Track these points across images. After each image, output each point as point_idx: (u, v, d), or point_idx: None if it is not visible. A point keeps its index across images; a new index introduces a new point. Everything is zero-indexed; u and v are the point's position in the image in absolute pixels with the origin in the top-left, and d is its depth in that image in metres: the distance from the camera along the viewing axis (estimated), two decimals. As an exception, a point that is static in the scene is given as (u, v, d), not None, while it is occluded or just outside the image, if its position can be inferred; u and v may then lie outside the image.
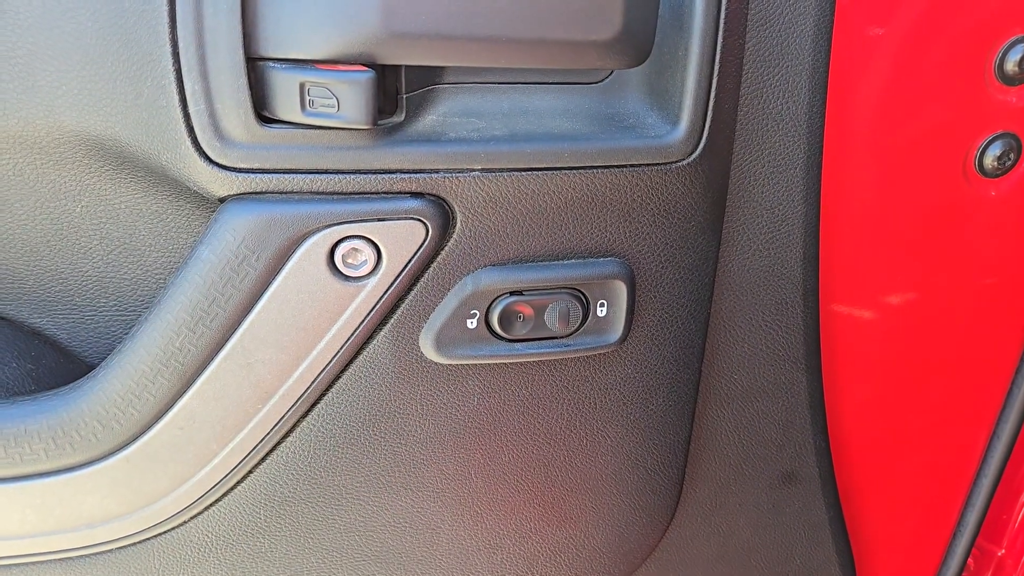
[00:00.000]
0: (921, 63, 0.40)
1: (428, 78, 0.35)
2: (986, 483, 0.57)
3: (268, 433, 0.37)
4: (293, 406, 0.37)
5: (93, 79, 0.32)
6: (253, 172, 0.32)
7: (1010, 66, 0.41)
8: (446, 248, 0.35)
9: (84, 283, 0.40)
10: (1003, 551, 0.63)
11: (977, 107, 0.42)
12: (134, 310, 0.40)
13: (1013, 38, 0.41)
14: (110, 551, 0.39)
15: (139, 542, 0.39)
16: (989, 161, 0.43)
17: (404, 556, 0.43)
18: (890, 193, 0.43)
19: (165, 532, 0.39)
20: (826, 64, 0.38)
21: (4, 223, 0.38)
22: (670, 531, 0.48)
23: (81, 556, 0.39)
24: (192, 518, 0.39)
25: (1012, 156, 0.43)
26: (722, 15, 0.33)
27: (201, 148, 0.31)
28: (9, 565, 0.38)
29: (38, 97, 0.33)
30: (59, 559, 0.38)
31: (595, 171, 0.35)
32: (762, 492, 0.49)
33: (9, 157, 0.36)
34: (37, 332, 0.41)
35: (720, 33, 0.33)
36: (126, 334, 0.38)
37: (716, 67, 0.34)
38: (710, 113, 0.35)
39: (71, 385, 0.36)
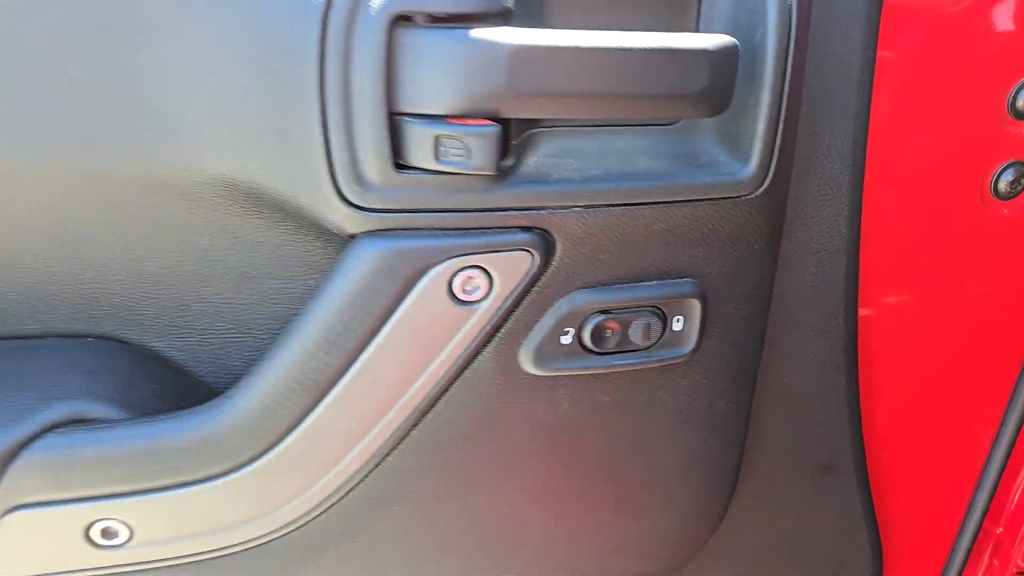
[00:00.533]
0: (947, 103, 0.46)
1: (529, 123, 0.39)
2: (993, 470, 0.63)
3: (385, 441, 0.41)
4: (408, 417, 0.41)
5: (240, 131, 0.36)
6: (385, 212, 0.36)
7: (1020, 103, 0.47)
8: (546, 274, 0.39)
9: (203, 309, 0.43)
10: (1001, 529, 0.69)
11: (993, 139, 0.48)
12: (248, 333, 0.44)
13: (1022, 80, 0.46)
14: (241, 552, 0.42)
15: (266, 543, 0.43)
16: (1003, 186, 0.49)
17: (496, 548, 0.47)
18: (919, 214, 0.48)
19: (289, 532, 0.43)
20: (868, 106, 0.43)
21: (132, 256, 0.41)
22: (722, 521, 0.53)
23: (216, 558, 0.42)
24: (314, 519, 0.43)
25: (1022, 181, 0.49)
26: (788, 70, 0.38)
27: (341, 192, 0.36)
28: (156, 568, 0.42)
29: (184, 145, 0.37)
30: (198, 561, 0.42)
31: (677, 205, 0.40)
32: (803, 483, 0.55)
33: (146, 198, 0.39)
34: (157, 354, 0.45)
35: (786, 85, 0.38)
36: (257, 356, 0.42)
37: (782, 113, 0.39)
38: (776, 152, 0.40)
39: (210, 403, 0.40)
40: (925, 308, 0.52)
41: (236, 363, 0.45)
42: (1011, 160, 0.48)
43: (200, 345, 0.45)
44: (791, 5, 0.37)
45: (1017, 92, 0.46)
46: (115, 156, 0.37)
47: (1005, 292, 0.53)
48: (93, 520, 0.40)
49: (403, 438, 0.42)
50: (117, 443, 0.39)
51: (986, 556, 0.70)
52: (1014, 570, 0.73)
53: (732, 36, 0.37)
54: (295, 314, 0.43)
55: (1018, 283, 0.54)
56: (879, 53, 0.43)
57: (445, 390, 0.41)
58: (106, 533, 0.40)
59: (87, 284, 0.42)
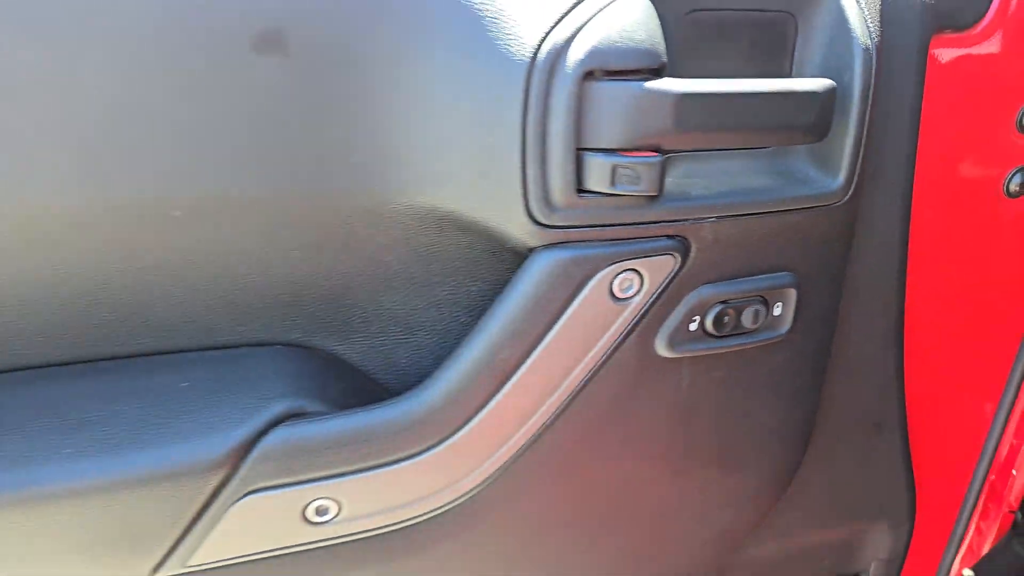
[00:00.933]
0: (971, 124, 0.57)
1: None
2: (997, 427, 0.74)
3: (546, 420, 0.49)
4: (565, 398, 0.49)
5: (453, 168, 0.43)
6: (563, 228, 0.44)
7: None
8: (682, 273, 0.48)
9: (379, 315, 0.51)
10: (995, 476, 0.82)
11: (1006, 149, 0.59)
12: (415, 334, 0.52)
13: (1028, 102, 0.58)
14: (432, 518, 0.50)
15: (447, 511, 0.50)
16: (1014, 186, 0.60)
17: (625, 505, 0.56)
18: (952, 212, 0.59)
19: (465, 501, 0.50)
20: (917, 130, 0.54)
21: (328, 271, 0.48)
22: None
23: (404, 528, 0.50)
24: (486, 488, 0.50)
25: (1020, 187, 0.60)
26: (869, 103, 0.48)
27: (531, 213, 0.43)
28: (366, 538, 0.49)
29: (405, 181, 0.44)
30: (389, 531, 0.49)
31: (782, 214, 0.49)
32: (859, 440, 0.65)
33: (355, 223, 0.46)
34: (336, 357, 0.51)
35: (867, 116, 0.48)
36: (421, 354, 0.49)
37: (864, 138, 0.49)
38: (858, 169, 0.49)
39: (407, 394, 0.47)
40: (955, 287, 0.63)
41: (403, 362, 0.52)
42: (1019, 165, 0.59)
43: (372, 347, 0.52)
44: (872, 55, 0.47)
45: (1022, 113, 0.58)
46: (346, 189, 0.44)
47: (1014, 270, 0.64)
48: (310, 500, 0.46)
49: (558, 416, 0.50)
50: (331, 432, 0.46)
51: (982, 500, 0.82)
52: (1006, 509, 0.86)
53: (826, 78, 0.46)
54: (463, 317, 0.51)
55: (1007, 264, 0.66)
56: (926, 89, 0.53)
57: (595, 373, 0.49)
58: (319, 511, 0.47)
59: (284, 297, 0.48)
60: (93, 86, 0.39)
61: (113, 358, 0.47)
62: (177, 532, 0.45)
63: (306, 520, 0.47)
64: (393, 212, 0.46)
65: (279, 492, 0.46)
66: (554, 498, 0.53)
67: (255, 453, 0.44)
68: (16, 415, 0.43)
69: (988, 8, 0.55)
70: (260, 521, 0.46)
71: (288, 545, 0.48)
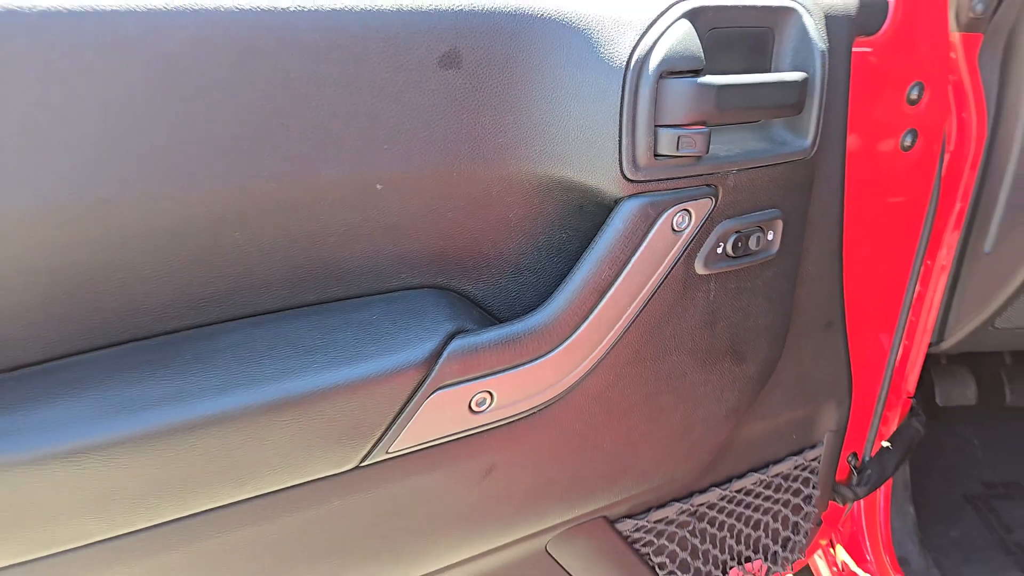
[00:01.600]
0: (879, 99, 0.81)
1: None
2: (900, 329, 1.01)
3: (627, 323, 0.68)
4: (640, 306, 0.68)
5: (571, 144, 0.61)
6: (642, 182, 0.63)
7: (913, 96, 0.83)
8: (714, 211, 0.68)
9: (500, 260, 0.67)
10: (896, 370, 1.09)
11: (900, 118, 0.84)
12: (522, 274, 0.69)
13: (914, 81, 0.83)
14: (552, 403, 0.67)
15: (564, 395, 0.68)
16: (906, 143, 0.85)
17: (671, 392, 0.75)
18: (870, 162, 0.83)
19: (573, 389, 0.68)
20: (847, 104, 0.77)
21: (465, 228, 0.64)
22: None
23: (539, 410, 0.67)
24: (589, 376, 0.68)
25: (913, 140, 0.86)
26: (824, 88, 0.70)
27: (623, 173, 0.62)
28: (509, 422, 0.65)
29: (524, 155, 0.62)
30: (529, 414, 0.66)
31: (775, 166, 0.70)
32: (816, 335, 0.88)
33: (486, 190, 0.63)
34: (467, 294, 0.68)
35: (823, 98, 0.70)
36: (528, 291, 0.67)
37: (822, 112, 0.71)
38: (826, 140, 0.72)
39: (536, 311, 0.65)
40: (872, 216, 0.87)
41: (514, 297, 0.69)
42: (909, 128, 0.85)
43: (493, 287, 0.69)
44: (825, 56, 0.69)
45: (910, 89, 0.83)
46: (491, 164, 0.61)
47: (910, 201, 0.90)
48: (474, 394, 0.63)
49: (634, 321, 0.69)
50: (489, 341, 0.62)
51: (890, 388, 1.10)
52: (905, 396, 1.14)
53: (800, 72, 0.68)
54: (555, 258, 0.69)
55: (916, 197, 0.91)
56: (852, 75, 0.76)
57: (659, 288, 0.69)
58: (479, 402, 0.64)
59: (435, 249, 0.64)
60: (327, 95, 0.54)
61: (317, 303, 0.61)
62: (384, 425, 0.60)
63: (471, 410, 0.63)
64: (520, 179, 0.63)
65: (456, 388, 0.62)
66: (629, 383, 0.72)
67: (443, 358, 0.60)
68: (263, 344, 0.57)
69: (885, 20, 0.79)
70: (441, 413, 0.62)
71: (457, 431, 0.64)
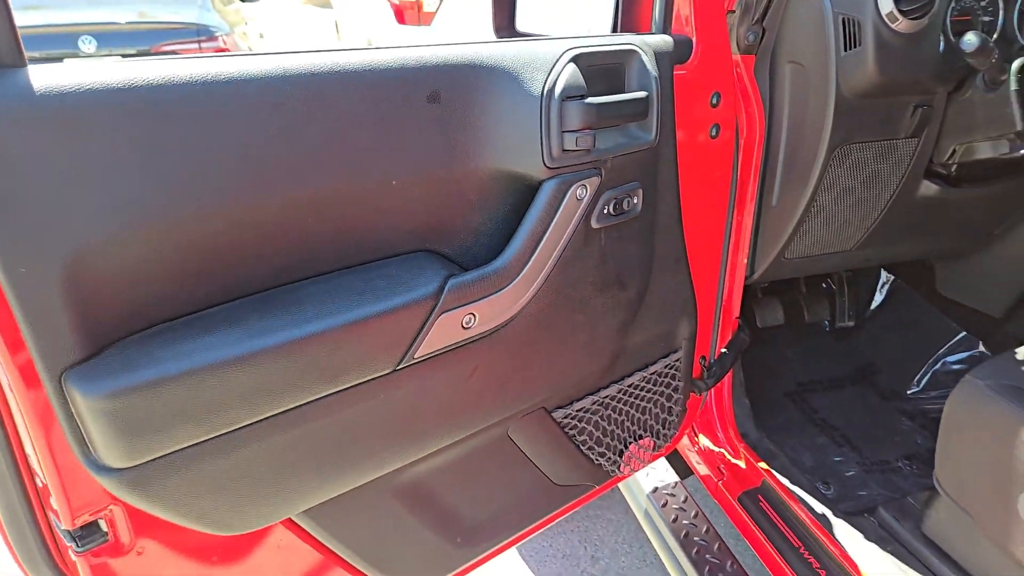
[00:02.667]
0: (694, 104, 1.21)
1: None
2: (724, 264, 1.44)
3: (553, 263, 1.03)
4: (560, 251, 1.03)
5: (510, 148, 0.94)
6: (557, 168, 0.98)
7: (714, 101, 1.24)
8: (600, 185, 1.04)
9: (464, 228, 0.99)
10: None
11: (708, 116, 1.25)
12: (479, 237, 1.01)
13: (714, 91, 1.24)
14: (509, 322, 1.00)
15: (515, 317, 1.01)
16: (713, 134, 1.26)
17: (584, 315, 1.11)
18: (692, 148, 1.24)
19: (518, 317, 1.02)
20: (673, 110, 1.16)
21: (445, 210, 0.96)
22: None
23: (501, 327, 1.00)
24: (527, 307, 1.02)
25: (717, 131, 1.27)
26: (661, 100, 1.08)
27: (545, 163, 0.96)
28: (484, 335, 0.97)
29: (486, 158, 0.94)
30: (496, 329, 0.99)
31: (634, 153, 1.08)
32: (671, 267, 1.28)
33: (460, 183, 0.94)
34: (444, 255, 0.99)
35: (660, 106, 1.09)
36: (486, 251, 0.99)
37: (660, 115, 1.09)
38: (662, 134, 1.10)
39: (495, 260, 0.97)
40: (696, 186, 1.28)
41: (475, 253, 1.01)
42: (715, 123, 1.26)
43: (461, 247, 1.00)
44: (659, 80, 1.07)
45: (711, 97, 1.24)
46: (465, 166, 0.92)
47: (719, 177, 1.32)
48: (465, 315, 0.95)
49: (556, 262, 1.04)
50: (471, 279, 0.94)
51: (721, 308, 1.53)
52: (733, 318, 1.58)
53: (644, 91, 1.06)
54: (501, 224, 1.02)
55: (724, 170, 1.33)
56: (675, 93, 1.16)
57: (571, 239, 1.04)
58: (467, 321, 0.95)
59: (426, 226, 0.95)
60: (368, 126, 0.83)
61: (357, 264, 0.90)
62: (411, 339, 0.90)
63: (462, 327, 0.95)
64: (480, 173, 0.96)
65: (453, 311, 0.93)
66: (554, 307, 1.07)
67: (445, 292, 0.91)
68: (332, 292, 0.85)
69: (692, 52, 1.19)
70: (445, 329, 0.93)
71: (455, 342, 0.96)
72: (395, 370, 0.91)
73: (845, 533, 1.40)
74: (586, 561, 2.08)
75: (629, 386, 1.31)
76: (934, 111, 1.33)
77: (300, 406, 0.84)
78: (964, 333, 1.93)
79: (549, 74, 0.95)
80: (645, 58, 1.07)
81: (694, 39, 1.19)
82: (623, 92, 1.07)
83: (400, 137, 0.87)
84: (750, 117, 1.37)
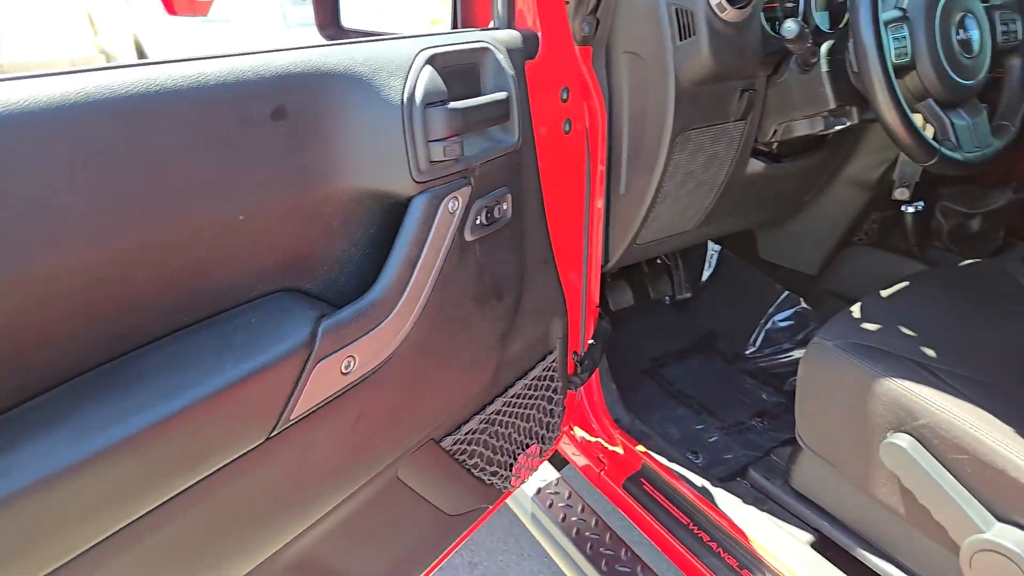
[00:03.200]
0: (546, 100, 1.17)
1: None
2: (585, 261, 1.43)
3: (432, 284, 0.94)
4: (438, 269, 0.94)
5: (372, 163, 0.83)
6: (425, 182, 0.89)
7: (564, 96, 1.21)
8: (471, 195, 0.97)
9: (327, 259, 0.87)
10: (587, 288, 1.52)
11: (560, 111, 1.21)
12: (345, 266, 0.89)
13: (563, 86, 1.21)
14: (388, 360, 0.90)
15: (397, 353, 0.91)
16: (566, 129, 1.24)
17: (466, 330, 1.03)
18: (549, 143, 1.20)
19: (397, 353, 0.91)
20: (529, 108, 1.11)
21: (303, 239, 0.83)
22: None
23: (381, 368, 0.89)
24: (409, 335, 0.92)
25: (569, 126, 1.25)
26: (519, 100, 1.03)
27: (412, 178, 0.87)
28: (364, 376, 0.86)
29: (343, 177, 0.82)
30: (378, 368, 0.88)
31: (500, 158, 1.01)
32: (541, 269, 1.24)
33: (317, 207, 0.82)
34: (306, 291, 0.86)
35: (518, 107, 1.03)
36: (354, 280, 0.88)
37: (519, 117, 1.04)
38: (523, 135, 1.04)
39: (371, 289, 0.86)
40: (556, 182, 1.25)
41: (341, 286, 0.89)
42: (566, 119, 1.23)
43: (325, 281, 0.87)
44: (514, 79, 1.02)
45: (561, 92, 1.21)
46: (321, 188, 0.80)
47: (574, 170, 1.30)
48: (343, 359, 0.83)
49: (436, 282, 0.95)
50: (347, 316, 0.82)
51: (586, 303, 1.52)
52: (594, 306, 1.59)
53: (502, 91, 1.00)
54: (368, 249, 0.91)
55: (578, 164, 1.31)
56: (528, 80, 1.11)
57: (448, 254, 0.95)
58: (346, 365, 0.84)
59: (281, 258, 0.82)
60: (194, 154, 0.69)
61: (207, 318, 0.75)
62: (284, 400, 0.77)
63: (341, 373, 0.83)
64: (340, 194, 0.84)
65: (330, 358, 0.81)
66: (437, 330, 0.98)
67: (319, 337, 0.79)
68: (180, 359, 0.70)
69: (539, 47, 1.15)
70: (322, 380, 0.81)
71: (335, 392, 0.83)
72: (269, 438, 0.78)
73: (725, 500, 1.47)
74: (464, 569, 2.02)
75: (512, 397, 1.26)
76: (757, 94, 1.41)
77: (158, 506, 0.68)
78: (787, 292, 2.11)
79: (406, 79, 0.85)
80: (500, 56, 1.00)
81: (540, 33, 1.14)
82: (480, 93, 1.00)
83: (242, 163, 0.73)
84: (592, 110, 1.36)
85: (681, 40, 1.27)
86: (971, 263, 1.53)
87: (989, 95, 1.34)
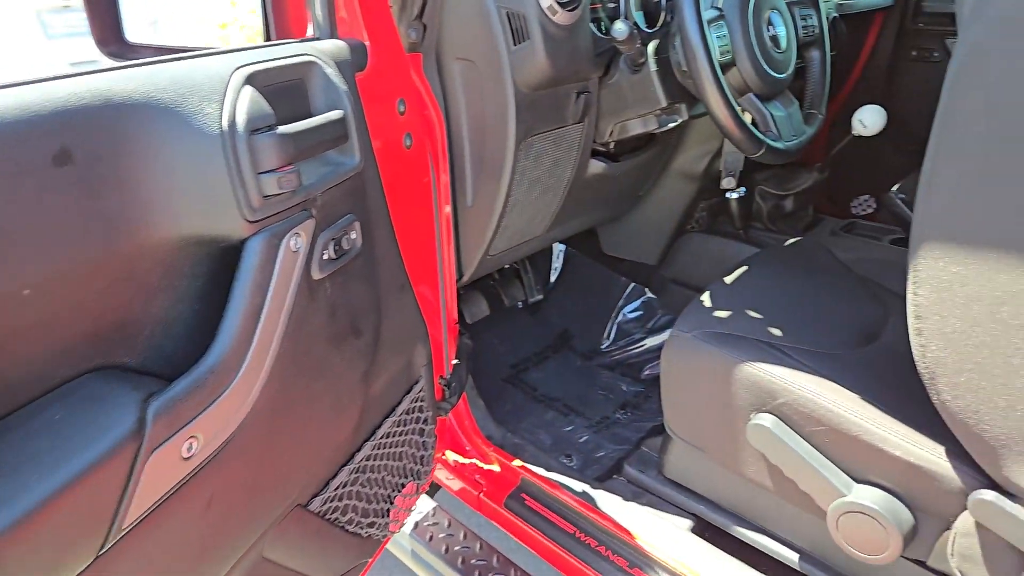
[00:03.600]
0: (383, 113, 1.08)
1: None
2: (441, 269, 1.35)
3: (281, 340, 0.82)
4: (287, 316, 0.82)
5: (193, 205, 0.70)
6: (259, 222, 0.77)
7: (401, 109, 1.13)
8: (315, 226, 0.86)
9: (150, 322, 0.72)
10: (447, 309, 1.45)
11: (399, 124, 1.13)
12: (173, 326, 0.75)
13: (399, 98, 1.12)
14: (239, 431, 0.77)
15: (248, 420, 0.78)
16: (407, 144, 1.15)
17: (323, 374, 0.92)
18: (390, 160, 1.11)
19: (248, 420, 0.79)
20: (364, 120, 1.01)
21: (112, 301, 0.68)
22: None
23: (231, 441, 0.76)
24: (260, 397, 0.80)
25: (410, 140, 1.17)
26: (356, 121, 0.93)
27: (244, 217, 0.74)
28: (209, 457, 0.72)
29: (159, 224, 0.68)
30: (225, 444, 0.75)
31: (344, 183, 0.91)
32: (397, 296, 1.14)
33: (128, 262, 0.67)
34: (125, 366, 0.71)
35: (357, 127, 0.93)
36: (182, 344, 0.74)
37: (359, 139, 0.94)
38: (364, 155, 0.95)
39: (208, 352, 0.73)
40: (403, 200, 1.16)
41: (169, 353, 0.75)
42: (406, 132, 1.15)
43: (148, 350, 0.73)
44: (347, 94, 0.92)
45: (398, 104, 1.12)
46: (131, 238, 0.66)
47: (418, 186, 1.22)
48: (183, 442, 0.69)
49: (286, 329, 0.83)
50: (181, 391, 0.69)
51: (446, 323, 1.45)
52: (452, 323, 1.52)
53: (337, 109, 0.89)
54: (199, 305, 0.77)
55: (423, 179, 1.23)
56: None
57: (296, 297, 0.84)
58: (188, 448, 0.70)
59: (88, 331, 0.66)
60: None
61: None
62: (113, 507, 0.63)
63: (183, 458, 0.70)
64: (157, 245, 0.70)
65: (166, 444, 0.67)
66: (293, 383, 0.86)
67: (148, 424, 0.65)
68: None
69: (367, 60, 1.05)
70: (160, 472, 0.67)
71: (178, 482, 0.70)
72: (100, 555, 0.63)
73: (605, 501, 1.46)
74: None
75: (382, 438, 1.16)
76: (592, 96, 1.41)
77: None
78: (633, 284, 2.18)
79: (223, 103, 0.73)
80: (329, 70, 0.90)
81: (368, 42, 1.05)
82: (310, 113, 0.89)
83: (20, 224, 0.58)
84: (428, 119, 1.29)
85: (515, 45, 1.24)
86: (794, 242, 1.65)
87: (796, 86, 1.44)
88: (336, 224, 0.91)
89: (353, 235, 0.95)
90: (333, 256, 0.90)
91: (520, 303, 2.22)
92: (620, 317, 2.19)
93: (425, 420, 1.30)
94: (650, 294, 2.16)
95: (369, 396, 1.10)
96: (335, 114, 0.88)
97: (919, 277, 0.85)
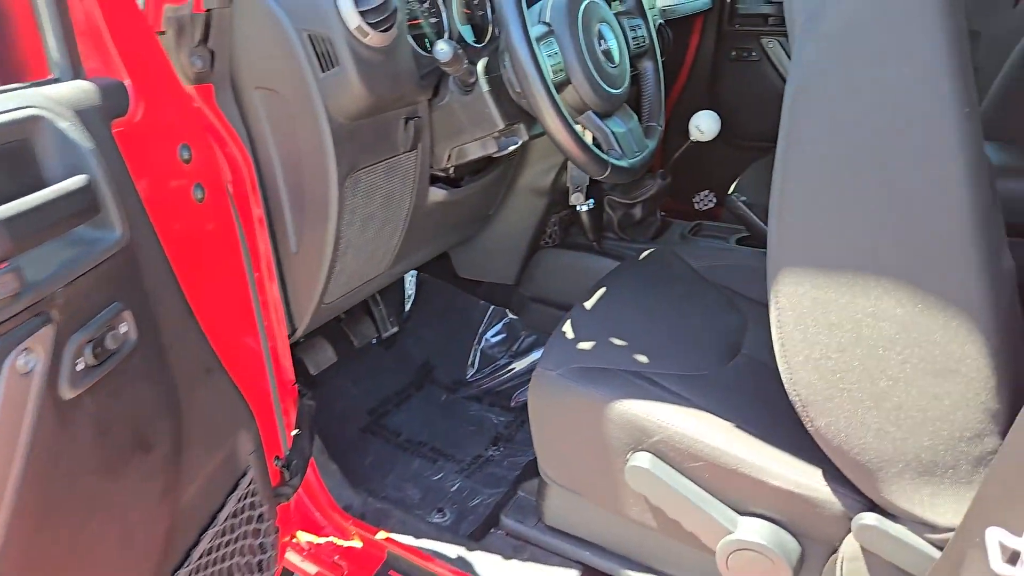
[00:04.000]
0: (162, 165, 0.87)
1: None
2: (263, 331, 1.15)
3: (19, 489, 0.60)
4: (26, 466, 0.61)
5: None
6: None
7: (185, 156, 0.92)
8: (57, 335, 0.65)
9: None
10: (279, 380, 1.25)
11: (184, 177, 0.92)
12: None
13: (180, 143, 0.92)
14: None
15: None
16: (198, 196, 0.95)
17: (86, 536, 0.71)
18: (177, 223, 0.90)
19: None
20: (132, 183, 0.80)
21: None
22: None
23: None
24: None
25: (202, 192, 0.96)
26: (111, 180, 0.72)
27: None
28: None
29: None
30: None
31: (99, 266, 0.70)
32: (204, 382, 0.94)
33: None
34: None
35: (110, 173, 0.72)
36: None
37: (123, 197, 0.73)
38: (133, 224, 0.74)
39: None
40: (202, 264, 0.96)
41: None
42: (196, 182, 0.94)
43: None
44: (97, 152, 0.71)
45: (180, 151, 0.92)
46: None
47: (223, 240, 1.01)
48: None
49: (23, 482, 0.62)
50: None
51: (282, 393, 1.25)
52: (290, 386, 1.32)
53: (80, 173, 0.68)
54: None
55: (226, 232, 1.02)
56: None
57: (34, 437, 0.63)
58: None
59: None
60: None
61: None
62: None
63: None
64: None
65: None
66: (49, 537, 0.65)
67: None
68: None
69: (129, 99, 0.84)
70: None
71: None
72: None
73: (484, 563, 1.34)
74: None
75: (201, 557, 0.95)
76: (423, 121, 1.27)
77: None
78: (492, 307, 2.06)
79: None
80: (63, 124, 0.69)
81: (127, 80, 0.84)
82: (41, 184, 0.67)
83: None
84: (231, 159, 1.09)
85: (324, 72, 1.06)
86: (648, 253, 1.60)
87: (631, 99, 1.37)
88: (94, 321, 0.70)
89: (123, 328, 0.74)
90: (93, 363, 0.69)
91: (374, 339, 2.04)
92: (483, 343, 2.06)
93: (260, 517, 1.10)
94: (511, 315, 2.06)
95: (177, 512, 0.89)
96: (76, 181, 0.67)
97: (780, 304, 0.80)
